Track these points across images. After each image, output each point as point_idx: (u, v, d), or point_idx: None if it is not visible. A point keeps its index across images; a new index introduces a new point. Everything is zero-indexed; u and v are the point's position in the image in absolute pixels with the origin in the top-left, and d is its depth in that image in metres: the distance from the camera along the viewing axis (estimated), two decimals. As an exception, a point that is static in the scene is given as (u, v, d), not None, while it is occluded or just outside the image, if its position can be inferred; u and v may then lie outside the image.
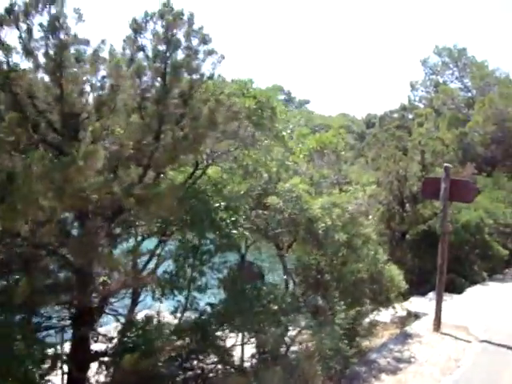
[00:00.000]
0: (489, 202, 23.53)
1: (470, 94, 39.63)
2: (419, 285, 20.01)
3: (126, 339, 8.02)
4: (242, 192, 10.56)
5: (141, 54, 7.71)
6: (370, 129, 46.78)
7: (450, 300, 17.65)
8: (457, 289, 18.59)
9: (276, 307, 9.70)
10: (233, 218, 9.91)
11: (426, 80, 41.40)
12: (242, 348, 10.67)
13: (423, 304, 17.45)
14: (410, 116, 51.04)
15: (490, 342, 11.63)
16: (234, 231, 10.03)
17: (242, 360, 10.69)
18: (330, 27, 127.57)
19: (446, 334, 12.50)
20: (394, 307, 14.00)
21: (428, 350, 11.35)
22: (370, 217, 22.32)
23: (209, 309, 9.97)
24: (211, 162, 10.26)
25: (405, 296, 19.30)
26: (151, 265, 9.74)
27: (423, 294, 19.34)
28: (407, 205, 21.11)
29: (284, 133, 11.38)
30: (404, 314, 16.95)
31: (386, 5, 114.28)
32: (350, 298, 12.53)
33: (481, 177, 30.64)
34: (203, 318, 9.64)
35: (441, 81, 41.83)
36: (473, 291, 17.81)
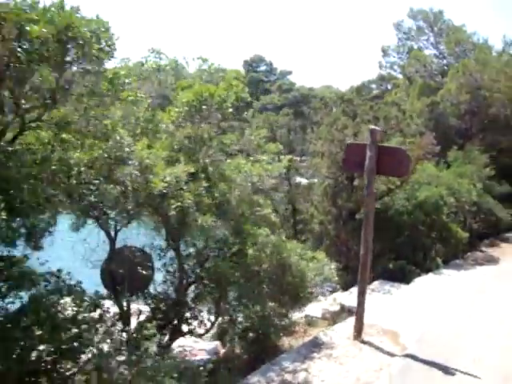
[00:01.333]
0: (453, 178, 20.72)
1: (445, 62, 36.54)
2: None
3: None
4: (84, 161, 7.53)
5: None
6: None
7: (394, 291, 14.99)
8: (406, 278, 15.91)
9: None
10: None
11: (399, 46, 38.19)
12: None
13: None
14: (389, 87, 48.05)
15: (416, 358, 8.86)
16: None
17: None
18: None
19: (367, 343, 9.75)
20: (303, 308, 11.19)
21: (333, 369, 8.58)
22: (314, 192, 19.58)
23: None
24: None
25: (346, 286, 16.62)
26: None
27: (369, 282, 16.65)
28: (356, 179, 18.21)
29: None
30: (337, 308, 14.33)
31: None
32: (248, 295, 9.73)
33: (452, 150, 27.84)
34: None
35: (415, 47, 38.63)
36: (421, 282, 15.09)
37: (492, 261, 19.12)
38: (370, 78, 56.72)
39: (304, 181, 21.74)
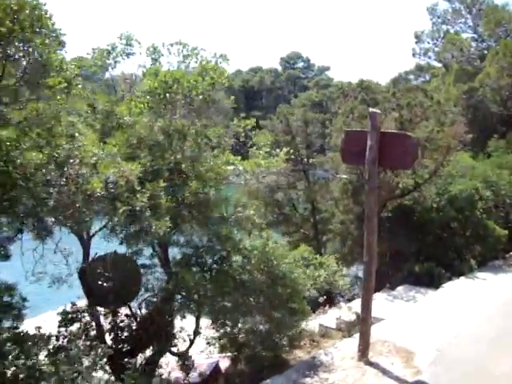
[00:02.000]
0: (491, 169, 18.63)
1: (484, 45, 33.91)
2: (391, 275, 15.69)
3: None
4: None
5: None
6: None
7: (419, 298, 13.34)
8: (434, 282, 14.18)
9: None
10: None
11: (433, 31, 35.74)
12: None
13: (384, 303, 13.21)
14: (428, 77, 45.38)
15: (428, 388, 7.32)
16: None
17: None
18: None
19: (373, 365, 8.26)
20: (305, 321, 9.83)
21: (325, 401, 7.17)
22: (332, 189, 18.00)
23: None
24: None
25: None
26: None
27: (393, 287, 15.06)
28: (381, 173, 16.56)
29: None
30: (353, 318, 12.83)
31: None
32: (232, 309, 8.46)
33: (493, 139, 25.59)
34: None
35: (452, 31, 36.10)
36: (451, 287, 13.33)
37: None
38: (407, 69, 54.07)
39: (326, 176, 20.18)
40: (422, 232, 15.50)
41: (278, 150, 9.87)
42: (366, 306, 8.40)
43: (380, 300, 13.38)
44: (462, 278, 14.05)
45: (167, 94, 7.63)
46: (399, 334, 9.62)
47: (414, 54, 35.86)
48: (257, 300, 8.29)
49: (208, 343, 10.47)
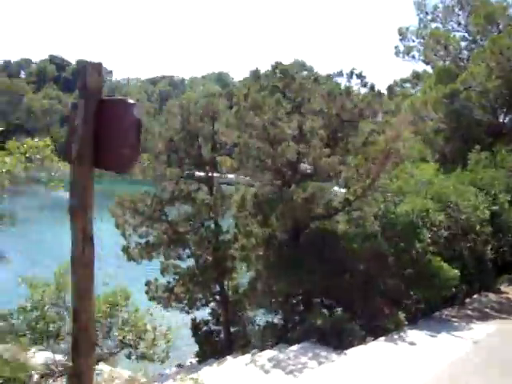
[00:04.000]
0: (452, 186, 14.39)
1: (475, 46, 29.66)
2: (294, 326, 11.55)
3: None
4: None
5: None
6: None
7: (312, 366, 9.22)
8: (343, 343, 9.95)
9: None
10: None
11: (420, 28, 31.54)
12: None
13: (248, 375, 9.14)
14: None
15: None
16: None
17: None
18: None
19: None
20: None
21: None
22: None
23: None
24: None
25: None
26: None
27: (293, 343, 10.87)
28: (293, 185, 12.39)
29: None
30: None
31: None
32: None
33: (474, 151, 21.18)
34: None
35: (442, 30, 31.85)
36: (358, 354, 9.15)
37: (505, 310, 12.73)
38: (402, 77, 49.64)
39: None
40: (345, 269, 11.32)
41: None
42: None
43: (248, 368, 9.26)
44: (382, 340, 9.81)
45: None
46: None
47: (396, 53, 31.59)
48: None
49: None
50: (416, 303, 11.84)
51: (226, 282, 14.15)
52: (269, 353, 10.34)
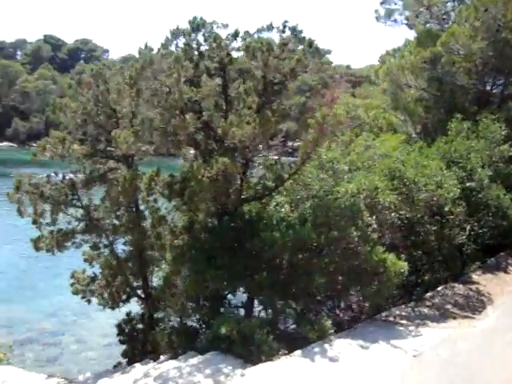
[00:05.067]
0: (413, 159, 12.19)
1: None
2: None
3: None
4: None
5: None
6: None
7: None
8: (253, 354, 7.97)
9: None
10: None
11: (404, -12, 28.87)
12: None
13: None
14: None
15: None
16: None
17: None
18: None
19: None
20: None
21: None
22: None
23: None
24: None
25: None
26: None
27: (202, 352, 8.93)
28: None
29: None
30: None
31: None
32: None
33: (454, 120, 18.70)
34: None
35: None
36: (263, 375, 7.16)
37: (472, 306, 10.70)
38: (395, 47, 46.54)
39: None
40: (263, 264, 9.26)
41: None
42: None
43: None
44: (297, 354, 7.78)
45: None
46: None
47: (377, 18, 28.92)
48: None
49: None
50: (359, 302, 9.83)
51: (149, 276, 12.24)
52: (167, 365, 8.45)
